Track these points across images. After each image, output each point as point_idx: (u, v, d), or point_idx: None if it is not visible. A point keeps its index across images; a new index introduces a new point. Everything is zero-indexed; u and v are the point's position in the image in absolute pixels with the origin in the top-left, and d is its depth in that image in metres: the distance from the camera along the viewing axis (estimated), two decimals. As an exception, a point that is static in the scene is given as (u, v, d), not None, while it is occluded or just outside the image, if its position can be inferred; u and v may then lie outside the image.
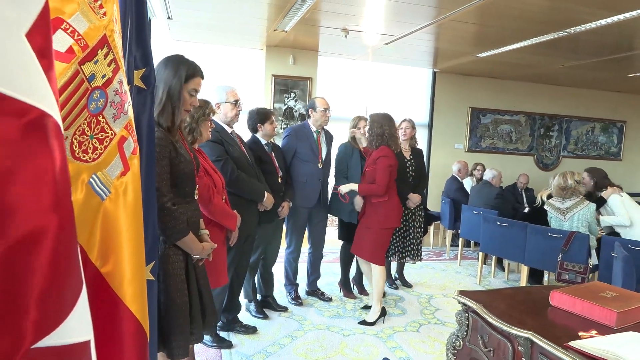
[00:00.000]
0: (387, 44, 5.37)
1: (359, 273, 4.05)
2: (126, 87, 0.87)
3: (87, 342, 0.49)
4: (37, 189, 0.40)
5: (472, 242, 5.87)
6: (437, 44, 5.59)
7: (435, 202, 6.69)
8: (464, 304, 1.83)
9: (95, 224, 0.80)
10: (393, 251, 4.11)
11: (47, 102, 0.41)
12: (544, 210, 4.12)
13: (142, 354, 0.88)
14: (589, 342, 1.40)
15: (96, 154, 0.79)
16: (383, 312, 3.40)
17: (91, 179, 0.79)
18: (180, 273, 1.84)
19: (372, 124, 3.32)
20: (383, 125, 3.27)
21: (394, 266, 4.39)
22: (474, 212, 4.84)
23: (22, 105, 0.38)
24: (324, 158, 3.59)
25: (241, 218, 2.58)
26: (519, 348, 1.55)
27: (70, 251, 0.45)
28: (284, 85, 5.84)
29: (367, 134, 3.41)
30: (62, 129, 0.42)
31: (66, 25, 0.71)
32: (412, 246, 4.13)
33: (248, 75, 5.97)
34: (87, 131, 0.78)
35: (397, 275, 4.36)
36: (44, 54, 0.40)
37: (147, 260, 1.42)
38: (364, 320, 3.35)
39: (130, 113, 0.89)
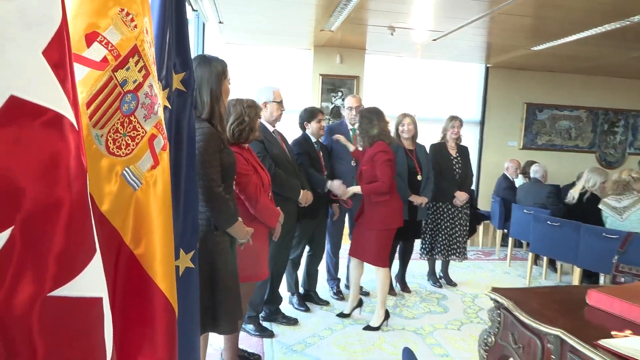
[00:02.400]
0: (435, 40, 5.30)
1: (402, 270, 4.06)
2: (156, 90, 0.98)
3: (99, 299, 0.59)
4: (53, 171, 0.50)
5: (524, 242, 5.67)
6: (488, 39, 5.44)
7: (485, 201, 6.51)
8: (496, 301, 1.82)
9: (129, 211, 0.92)
10: (438, 249, 4.09)
11: (61, 105, 0.52)
12: (583, 204, 3.95)
13: (170, 327, 1.00)
14: (620, 342, 1.37)
15: (129, 150, 0.91)
16: (387, 315, 3.24)
17: (124, 172, 0.91)
18: (228, 257, 2.01)
19: (362, 119, 3.18)
20: (373, 121, 3.13)
21: (438, 264, 4.35)
22: (524, 211, 4.69)
23: (38, 107, 0.49)
24: (360, 156, 3.63)
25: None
26: (549, 345, 1.53)
27: (84, 221, 0.55)
28: (331, 85, 5.92)
29: (357, 130, 3.28)
30: (76, 126, 0.53)
31: (101, 38, 0.83)
32: (457, 244, 4.09)
33: (296, 75, 6.11)
34: (121, 130, 0.90)
35: (442, 274, 4.32)
36: (60, 66, 0.51)
37: (188, 249, 1.55)
38: (368, 326, 3.19)
39: (160, 113, 1.00)
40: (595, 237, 3.72)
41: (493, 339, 1.86)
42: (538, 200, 4.78)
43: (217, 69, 1.98)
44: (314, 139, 3.44)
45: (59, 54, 0.52)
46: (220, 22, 5.00)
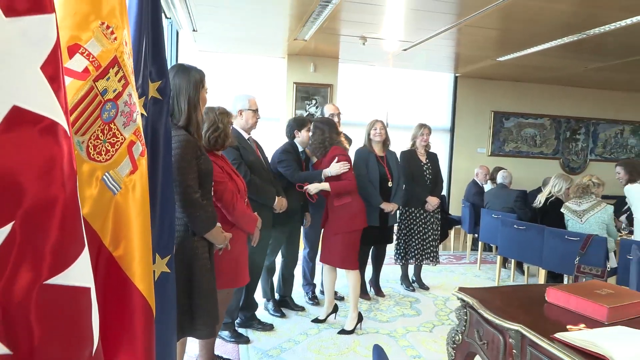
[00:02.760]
0: (405, 50, 5.45)
1: (376, 275, 4.13)
2: (135, 99, 1.02)
3: (88, 289, 0.64)
4: (49, 172, 0.55)
5: (493, 246, 5.85)
6: (457, 49, 5.63)
7: (456, 206, 6.68)
8: (462, 300, 1.91)
9: (108, 214, 0.95)
10: (412, 254, 4.18)
11: (56, 114, 0.57)
12: (549, 208, 4.14)
13: (148, 326, 1.03)
14: (574, 334, 1.46)
15: (108, 156, 0.94)
16: (360, 318, 3.30)
17: (104, 176, 0.94)
18: (207, 263, 2.03)
19: (315, 130, 3.30)
20: (325, 132, 3.25)
21: (411, 269, 4.45)
22: (493, 215, 4.85)
23: (36, 116, 0.54)
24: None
25: (257, 220, 2.73)
26: (510, 340, 1.62)
27: (75, 217, 0.60)
28: (305, 93, 6.00)
29: (310, 141, 3.37)
30: (68, 132, 0.58)
31: (83, 50, 0.87)
32: (430, 249, 4.20)
33: (270, 83, 6.16)
34: (101, 136, 0.93)
35: (414, 278, 4.42)
36: (54, 80, 0.56)
37: (163, 254, 1.58)
38: (343, 329, 3.24)
39: (139, 121, 1.04)
40: (558, 239, 3.89)
41: (460, 336, 1.95)
42: (506, 204, 4.96)
43: (195, 78, 2.02)
44: (300, 148, 3.51)
45: (53, 69, 0.58)
46: (194, 30, 5.01)
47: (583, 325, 1.56)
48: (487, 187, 5.98)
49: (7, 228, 0.51)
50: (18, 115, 0.53)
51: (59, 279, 0.58)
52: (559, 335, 1.47)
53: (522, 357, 1.59)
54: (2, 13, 0.51)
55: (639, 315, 1.71)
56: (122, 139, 0.96)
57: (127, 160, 0.98)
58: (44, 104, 0.56)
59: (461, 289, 1.94)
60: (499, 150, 7.28)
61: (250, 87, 5.86)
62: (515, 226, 4.30)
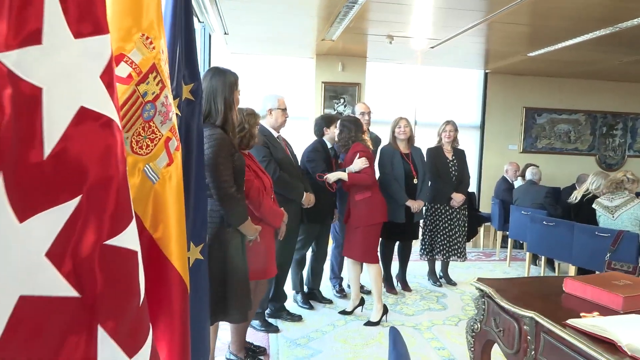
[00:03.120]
0: (432, 47, 5.47)
1: (402, 270, 4.20)
2: (170, 100, 1.16)
3: (136, 252, 0.77)
4: (107, 157, 0.70)
5: (523, 243, 5.78)
6: (487, 45, 5.61)
7: (486, 203, 6.63)
8: (481, 290, 1.97)
9: (148, 201, 1.09)
10: (438, 250, 4.23)
11: (111, 113, 0.71)
12: (584, 204, 4.08)
13: (184, 300, 1.17)
14: (585, 321, 1.51)
15: (148, 150, 1.08)
16: (385, 310, 3.37)
17: (145, 168, 1.08)
18: (239, 252, 2.19)
19: (343, 129, 3.41)
20: (351, 131, 3.37)
21: (438, 265, 4.48)
22: (522, 212, 4.82)
23: (98, 114, 0.67)
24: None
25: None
26: (525, 327, 1.68)
27: (126, 194, 0.74)
28: (333, 92, 6.11)
29: (336, 139, 3.48)
30: (120, 127, 0.72)
31: (127, 59, 1.01)
32: (457, 245, 4.23)
33: (299, 83, 6.31)
34: (142, 133, 1.07)
35: (442, 274, 4.46)
36: (110, 86, 0.70)
37: (197, 242, 1.72)
38: (369, 321, 3.32)
39: (174, 119, 1.17)
40: (588, 235, 3.85)
41: (479, 325, 2.01)
42: (535, 200, 4.92)
43: (230, 80, 2.18)
44: (329, 145, 3.62)
45: (109, 77, 0.72)
46: (225, 34, 5.20)
47: (597, 313, 1.60)
48: (517, 183, 5.92)
49: (77, 200, 0.65)
50: (84, 113, 0.67)
51: (114, 241, 0.71)
52: (571, 321, 1.52)
53: (536, 344, 1.64)
54: (72, 35, 0.65)
55: (658, 306, 1.74)
56: (159, 136, 1.10)
57: (164, 154, 1.12)
58: (103, 104, 0.70)
59: (480, 279, 2.01)
60: (531, 146, 7.17)
61: (279, 87, 6.02)
62: (544, 222, 4.26)
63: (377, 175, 3.90)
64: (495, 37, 5.15)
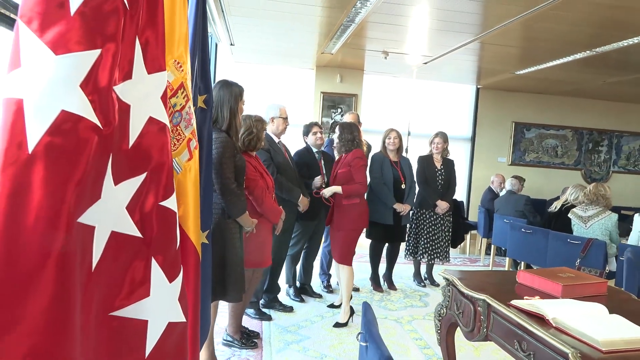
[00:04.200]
0: (426, 63, 5.81)
1: (389, 270, 4.49)
2: (192, 110, 1.47)
3: (175, 213, 1.10)
4: (163, 149, 1.01)
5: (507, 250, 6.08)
6: (479, 63, 5.96)
7: (475, 212, 6.94)
8: (446, 279, 2.28)
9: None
10: (422, 251, 4.53)
11: (165, 120, 1.03)
12: (562, 213, 4.40)
13: (196, 266, 1.48)
14: (525, 302, 1.82)
15: (175, 147, 1.39)
16: (352, 311, 3.51)
17: (173, 161, 1.40)
18: (237, 241, 2.51)
19: (343, 130, 3.54)
20: (353, 132, 3.50)
21: (424, 267, 4.78)
22: (504, 220, 5.13)
23: (158, 121, 1.00)
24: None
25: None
26: (479, 308, 1.99)
27: (171, 173, 1.06)
28: (332, 102, 6.45)
29: (336, 141, 3.60)
30: (170, 130, 1.05)
31: (164, 79, 1.34)
32: (440, 249, 4.53)
33: (300, 92, 6.65)
34: (171, 134, 1.39)
35: (426, 275, 4.75)
36: (164, 103, 1.02)
37: (203, 228, 2.02)
38: (337, 322, 3.43)
39: (194, 124, 1.49)
40: (562, 242, 4.16)
41: (445, 310, 2.31)
42: (516, 208, 5.24)
43: (235, 92, 2.51)
44: (315, 149, 3.94)
45: (165, 97, 1.03)
46: (231, 44, 5.55)
47: (538, 297, 1.90)
48: (503, 194, 6.23)
49: (144, 175, 0.96)
50: (151, 121, 0.98)
51: (164, 203, 1.02)
52: (514, 302, 1.83)
53: (487, 322, 1.95)
54: (147, 72, 0.96)
55: (595, 295, 2.05)
56: (183, 137, 1.41)
57: (186, 151, 1.43)
58: (161, 115, 1.02)
59: (446, 271, 2.31)
60: (520, 159, 7.50)
61: (281, 96, 6.36)
62: (523, 230, 4.57)
63: (368, 180, 4.22)
64: (486, 56, 5.49)
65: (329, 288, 4.20)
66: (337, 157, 3.76)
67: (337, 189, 3.44)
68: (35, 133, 0.75)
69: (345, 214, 3.44)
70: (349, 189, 3.42)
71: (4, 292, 0.71)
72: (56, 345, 0.76)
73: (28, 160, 0.74)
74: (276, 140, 3.55)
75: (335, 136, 3.67)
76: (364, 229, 3.77)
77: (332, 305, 3.82)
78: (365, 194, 4.22)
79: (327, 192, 3.49)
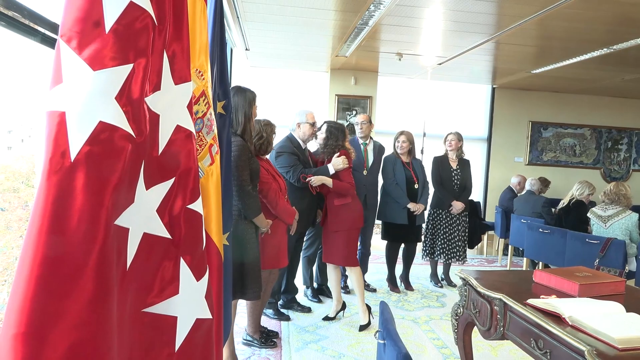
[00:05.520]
0: (440, 64, 5.82)
1: (405, 271, 4.51)
2: (213, 116, 1.54)
3: (201, 215, 1.15)
4: (189, 155, 1.08)
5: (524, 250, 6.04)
6: (494, 63, 5.94)
7: (492, 213, 6.90)
8: (463, 279, 2.30)
9: (197, 191, 1.48)
10: (439, 252, 4.54)
11: (191, 128, 1.09)
12: (571, 209, 4.39)
13: (219, 266, 1.54)
14: (541, 300, 1.84)
15: (198, 153, 1.46)
16: (343, 306, 3.56)
17: (196, 166, 1.47)
18: (254, 241, 2.59)
19: (330, 135, 3.45)
20: (339, 140, 3.45)
21: (440, 268, 4.78)
22: (522, 220, 5.10)
23: (185, 129, 1.06)
24: (369, 166, 4.13)
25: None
26: (495, 307, 2.01)
27: (197, 178, 1.12)
28: (346, 104, 6.49)
29: (320, 142, 3.53)
30: (195, 137, 1.11)
31: (187, 88, 1.41)
32: (457, 249, 4.54)
33: (315, 95, 6.71)
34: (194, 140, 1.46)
35: (443, 276, 4.76)
36: (190, 112, 1.08)
37: (224, 230, 2.09)
38: (361, 326, 3.40)
39: (215, 130, 1.55)
40: (580, 242, 4.13)
41: (461, 309, 2.34)
42: (534, 210, 5.20)
43: (249, 97, 2.58)
44: (303, 145, 3.84)
45: (190, 105, 1.09)
46: (246, 49, 5.64)
47: (554, 295, 1.92)
48: (522, 194, 6.19)
49: (173, 179, 1.03)
50: (178, 129, 1.05)
51: (192, 206, 1.08)
52: (530, 301, 1.85)
53: (504, 321, 1.97)
54: (174, 83, 1.03)
55: (612, 294, 2.05)
56: (205, 142, 1.48)
57: (208, 156, 1.49)
58: (188, 123, 1.08)
59: (463, 271, 2.34)
60: (537, 159, 7.43)
61: (296, 99, 6.44)
62: (540, 230, 4.55)
63: (381, 181, 4.26)
64: (501, 55, 5.47)
65: (346, 289, 4.24)
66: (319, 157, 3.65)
67: (327, 180, 3.35)
68: (76, 143, 0.82)
69: (339, 214, 3.37)
70: (338, 184, 3.36)
71: (51, 288, 0.78)
72: (97, 339, 0.83)
73: (71, 168, 0.81)
74: (303, 145, 3.58)
75: (320, 136, 3.57)
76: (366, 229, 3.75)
77: (326, 318, 3.55)
78: (379, 195, 4.28)
79: (316, 180, 3.36)
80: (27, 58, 1.78)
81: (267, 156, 3.09)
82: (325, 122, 3.65)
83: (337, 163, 3.38)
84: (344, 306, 3.64)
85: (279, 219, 3.00)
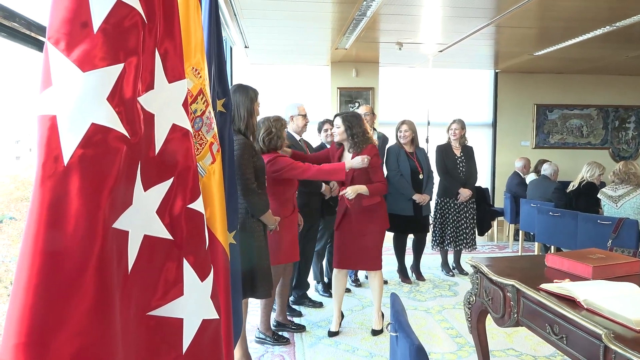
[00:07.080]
0: (441, 51, 5.76)
1: (416, 262, 4.48)
2: (212, 114, 1.52)
3: (203, 215, 1.14)
4: (188, 154, 1.05)
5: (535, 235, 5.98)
6: (495, 47, 5.86)
7: (500, 199, 6.84)
8: (474, 266, 2.27)
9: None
10: (448, 241, 4.50)
11: (188, 126, 1.07)
12: (582, 191, 4.33)
13: (225, 266, 1.52)
14: (555, 285, 1.80)
15: (198, 152, 1.44)
16: (342, 316, 3.33)
17: (197, 165, 1.45)
18: (262, 239, 2.58)
19: (352, 125, 3.07)
20: (362, 125, 3.10)
21: (451, 257, 4.75)
22: (531, 205, 5.05)
23: (182, 128, 1.04)
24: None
25: (305, 210, 3.22)
26: (508, 294, 1.98)
27: (197, 177, 1.10)
28: (349, 96, 6.45)
29: (342, 136, 3.12)
30: (193, 136, 1.08)
31: (183, 86, 1.38)
32: (465, 236, 4.50)
33: (316, 89, 6.67)
34: (193, 139, 1.43)
35: (454, 265, 4.73)
36: (186, 110, 1.06)
37: (230, 229, 2.08)
38: (374, 330, 3.23)
39: (215, 129, 1.53)
40: (592, 224, 4.07)
41: (474, 297, 2.31)
42: (545, 195, 5.15)
43: (251, 95, 2.57)
44: (329, 146, 3.93)
45: (186, 105, 1.07)
46: (246, 47, 5.60)
47: (567, 280, 1.88)
48: (530, 178, 6.13)
49: (171, 180, 1.01)
50: (175, 128, 1.03)
51: (192, 205, 1.06)
52: (544, 285, 1.82)
53: (517, 307, 1.94)
54: (167, 81, 1.01)
55: (627, 274, 2.01)
56: (206, 141, 1.46)
57: (209, 154, 1.47)
58: (184, 122, 1.06)
59: (473, 258, 2.31)
60: (544, 142, 7.34)
61: (298, 94, 6.40)
62: (550, 213, 4.49)
63: (385, 172, 4.19)
64: (502, 39, 5.39)
65: (357, 282, 4.22)
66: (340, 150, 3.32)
67: (363, 189, 2.99)
68: (69, 146, 0.80)
69: (369, 216, 3.07)
70: (374, 188, 3.03)
71: (50, 295, 0.77)
72: (100, 345, 0.81)
73: (64, 172, 0.79)
74: (297, 137, 3.61)
75: (337, 129, 3.15)
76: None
77: (330, 334, 3.22)
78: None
79: (351, 192, 2.95)
80: (31, 66, 1.76)
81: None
82: (336, 115, 3.28)
83: (356, 162, 2.97)
84: (342, 317, 3.39)
85: (289, 211, 2.96)
